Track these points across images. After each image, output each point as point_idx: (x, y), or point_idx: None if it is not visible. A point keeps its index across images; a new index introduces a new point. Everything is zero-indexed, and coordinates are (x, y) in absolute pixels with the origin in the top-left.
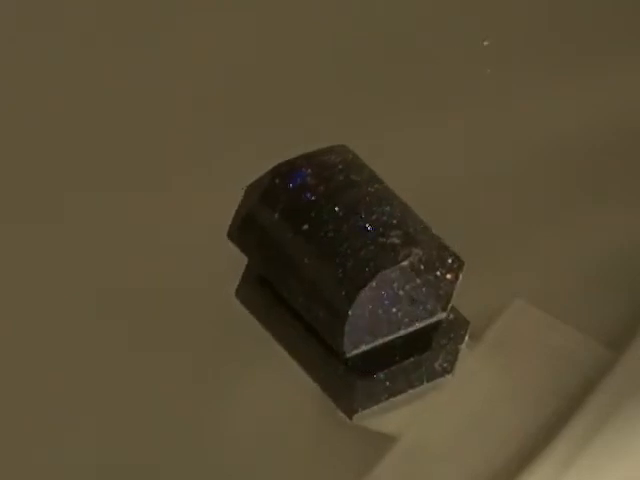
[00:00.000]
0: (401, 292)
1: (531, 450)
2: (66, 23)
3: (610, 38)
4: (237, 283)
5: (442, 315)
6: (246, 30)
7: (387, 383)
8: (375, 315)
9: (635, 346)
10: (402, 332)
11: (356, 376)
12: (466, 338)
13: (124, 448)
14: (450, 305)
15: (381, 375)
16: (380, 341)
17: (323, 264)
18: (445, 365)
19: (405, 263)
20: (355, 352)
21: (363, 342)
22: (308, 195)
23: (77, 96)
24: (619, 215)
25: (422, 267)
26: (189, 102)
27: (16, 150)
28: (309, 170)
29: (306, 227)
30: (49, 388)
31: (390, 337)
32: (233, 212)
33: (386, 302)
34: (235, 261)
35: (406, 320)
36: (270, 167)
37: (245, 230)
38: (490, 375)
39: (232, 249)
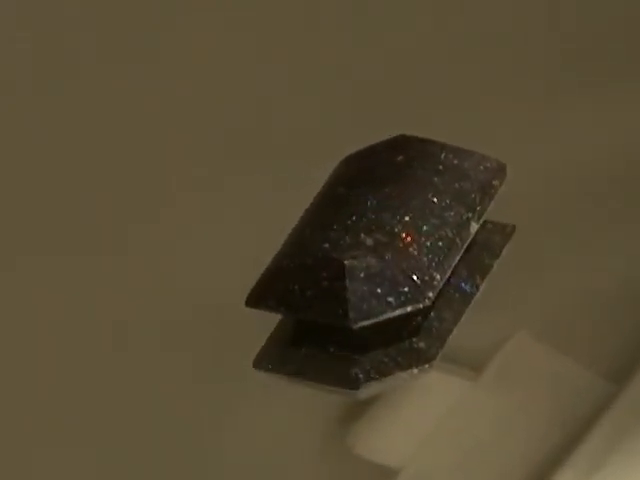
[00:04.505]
0: (325, 283)
1: None
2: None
3: (616, 66)
4: (237, 284)
5: (348, 324)
6: (247, 33)
7: (302, 362)
8: (289, 290)
9: (636, 380)
10: (302, 316)
11: (285, 340)
12: (415, 371)
13: (124, 448)
14: (366, 323)
15: (303, 350)
16: (278, 312)
17: (303, 227)
18: (360, 376)
19: (345, 262)
20: (253, 308)
21: (265, 305)
22: (379, 170)
23: (78, 99)
24: (621, 247)
25: (362, 275)
26: (190, 109)
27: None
28: (409, 151)
29: (341, 190)
30: (46, 386)
31: (291, 315)
32: (230, 216)
33: (306, 283)
34: (237, 263)
35: (315, 309)
36: (271, 172)
37: (336, 168)
38: (492, 406)
39: (232, 253)
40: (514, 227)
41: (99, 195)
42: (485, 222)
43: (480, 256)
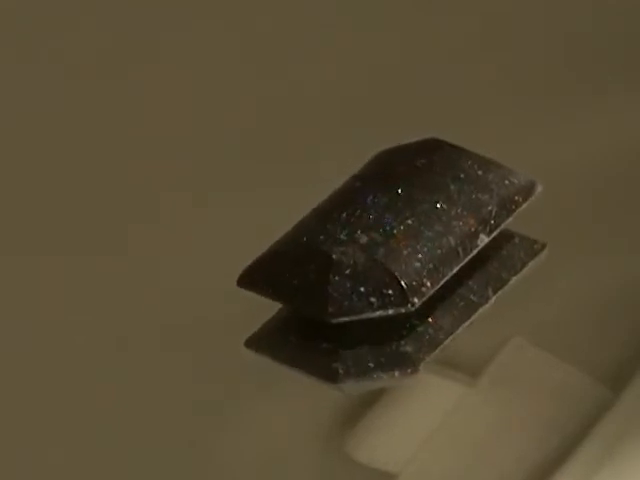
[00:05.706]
0: (311, 274)
1: None
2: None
3: (616, 67)
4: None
5: (326, 318)
6: (252, 30)
7: (290, 348)
8: (278, 276)
9: (634, 385)
10: (286, 304)
11: (280, 326)
12: (396, 374)
13: (123, 448)
14: (344, 319)
15: (293, 338)
16: (264, 296)
17: (311, 216)
18: (340, 371)
19: (333, 256)
20: (243, 288)
21: (254, 287)
22: (398, 170)
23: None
24: (621, 253)
25: (347, 272)
26: (191, 108)
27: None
28: (434, 155)
29: (357, 185)
30: (46, 387)
31: (276, 301)
32: (231, 216)
33: (295, 272)
34: (237, 263)
35: (298, 299)
36: (272, 173)
37: (367, 162)
38: (490, 411)
39: (233, 253)
40: (544, 245)
41: (99, 195)
42: (513, 236)
43: (498, 269)
